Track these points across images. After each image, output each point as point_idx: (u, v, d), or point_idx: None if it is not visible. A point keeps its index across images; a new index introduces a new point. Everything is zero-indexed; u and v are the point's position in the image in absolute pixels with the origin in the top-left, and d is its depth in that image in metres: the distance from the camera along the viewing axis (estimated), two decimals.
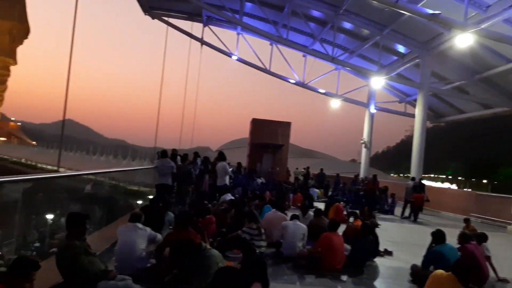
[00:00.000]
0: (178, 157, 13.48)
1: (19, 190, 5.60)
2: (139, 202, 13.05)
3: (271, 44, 28.63)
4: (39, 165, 56.28)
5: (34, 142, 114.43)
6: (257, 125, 25.22)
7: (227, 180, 13.05)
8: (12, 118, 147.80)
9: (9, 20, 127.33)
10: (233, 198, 10.91)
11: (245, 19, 25.08)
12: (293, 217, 8.03)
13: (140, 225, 5.58)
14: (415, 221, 16.08)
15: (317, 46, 26.02)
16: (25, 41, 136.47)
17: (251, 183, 16.45)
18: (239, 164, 18.66)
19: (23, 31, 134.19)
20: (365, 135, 29.78)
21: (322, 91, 30.60)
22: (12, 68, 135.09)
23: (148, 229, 5.62)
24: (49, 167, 51.76)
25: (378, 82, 26.13)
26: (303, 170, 25.88)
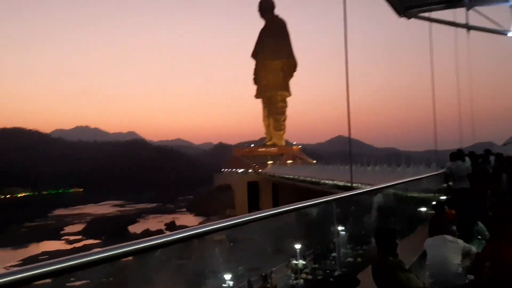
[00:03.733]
0: (466, 157, 12.18)
1: (328, 208, 6.01)
2: (423, 209, 12.36)
3: None
4: (322, 181, 61.45)
5: (314, 161, 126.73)
6: None
7: None
8: (294, 143, 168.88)
9: (280, 59, 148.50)
10: None
11: None
12: None
13: (449, 237, 5.09)
14: None
15: None
16: (295, 74, 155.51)
17: None
18: None
19: (292, 66, 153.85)
20: None
21: None
22: (288, 99, 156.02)
23: (460, 242, 5.06)
24: (330, 182, 55.92)
25: None
26: None
